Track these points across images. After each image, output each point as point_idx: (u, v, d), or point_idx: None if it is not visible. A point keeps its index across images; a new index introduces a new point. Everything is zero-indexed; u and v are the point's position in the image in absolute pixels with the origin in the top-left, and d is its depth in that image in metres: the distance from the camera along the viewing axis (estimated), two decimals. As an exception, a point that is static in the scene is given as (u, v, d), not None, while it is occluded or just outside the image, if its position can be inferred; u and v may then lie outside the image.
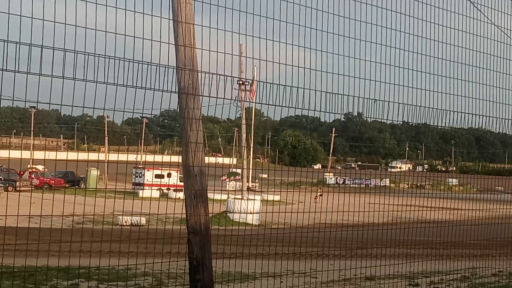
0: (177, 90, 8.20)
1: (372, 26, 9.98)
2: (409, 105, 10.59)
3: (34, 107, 53.58)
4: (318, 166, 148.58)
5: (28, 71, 6.69)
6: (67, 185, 53.45)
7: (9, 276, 11.32)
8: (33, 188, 48.70)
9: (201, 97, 8.27)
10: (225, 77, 8.08)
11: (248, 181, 54.39)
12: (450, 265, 15.04)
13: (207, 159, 9.24)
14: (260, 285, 13.48)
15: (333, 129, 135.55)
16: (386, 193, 14.70)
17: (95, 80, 7.17)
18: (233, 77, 8.27)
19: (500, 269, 15.41)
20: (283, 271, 13.70)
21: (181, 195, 9.12)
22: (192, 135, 8.22)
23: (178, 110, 8.43)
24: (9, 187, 48.47)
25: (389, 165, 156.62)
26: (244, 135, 43.77)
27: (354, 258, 14.91)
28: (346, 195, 12.95)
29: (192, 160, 8.26)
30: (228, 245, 10.99)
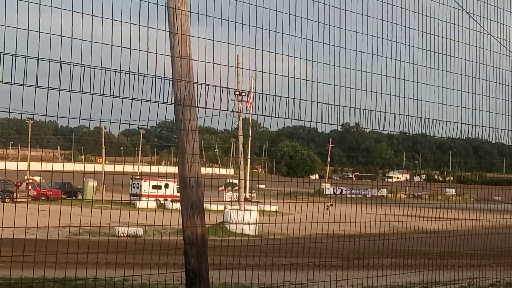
0: (173, 102, 8.20)
1: (368, 37, 10.00)
2: (406, 116, 10.60)
3: (31, 118, 53.53)
4: (315, 176, 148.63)
5: (25, 83, 6.69)
6: (64, 196, 53.36)
7: (6, 288, 11.27)
8: (30, 199, 48.60)
9: (197, 108, 8.27)
10: (222, 88, 8.09)
11: (245, 192, 54.32)
12: (448, 275, 15.03)
13: (204, 170, 9.23)
14: (257, 296, 13.44)
15: (330, 139, 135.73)
16: (383, 203, 14.70)
17: (92, 91, 7.17)
18: (230, 88, 8.28)
19: (498, 279, 15.38)
20: (280, 282, 13.65)
21: (178, 205, 9.11)
22: (188, 146, 8.22)
23: (174, 121, 8.44)
24: (6, 198, 48.34)
25: (387, 175, 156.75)
26: (241, 146, 43.73)
27: (351, 268, 14.88)
28: (343, 205, 12.95)
29: (189, 171, 8.26)
30: (225, 256, 10.98)
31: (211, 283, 8.65)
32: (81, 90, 7.10)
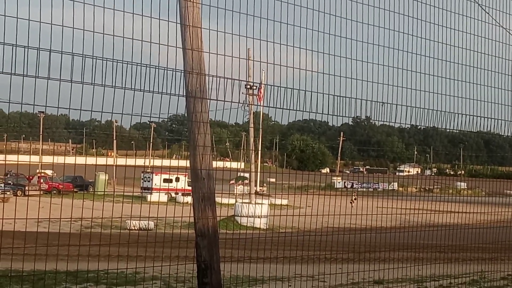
0: (184, 94, 8.21)
1: (380, 29, 9.97)
2: (417, 108, 10.56)
3: (42, 112, 53.60)
4: (326, 170, 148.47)
5: (37, 75, 6.71)
6: (75, 190, 53.55)
7: (18, 280, 11.34)
8: (42, 193, 48.78)
9: (208, 100, 8.28)
10: (233, 80, 8.08)
11: (256, 185, 54.35)
12: (459, 268, 14.99)
13: (215, 164, 9.23)
14: (269, 289, 13.47)
15: (341, 133, 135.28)
16: (394, 196, 14.68)
17: (103, 84, 7.18)
18: (241, 80, 8.27)
19: (509, 273, 15.34)
20: (291, 275, 13.68)
21: (189, 199, 9.14)
22: (199, 139, 8.23)
23: (186, 114, 8.44)
24: (18, 192, 48.55)
25: (398, 169, 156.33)
26: (252, 139, 43.71)
27: (362, 261, 14.89)
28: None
29: (200, 163, 8.27)
30: (236, 249, 10.99)
31: (222, 275, 8.66)
32: (93, 82, 7.11)
